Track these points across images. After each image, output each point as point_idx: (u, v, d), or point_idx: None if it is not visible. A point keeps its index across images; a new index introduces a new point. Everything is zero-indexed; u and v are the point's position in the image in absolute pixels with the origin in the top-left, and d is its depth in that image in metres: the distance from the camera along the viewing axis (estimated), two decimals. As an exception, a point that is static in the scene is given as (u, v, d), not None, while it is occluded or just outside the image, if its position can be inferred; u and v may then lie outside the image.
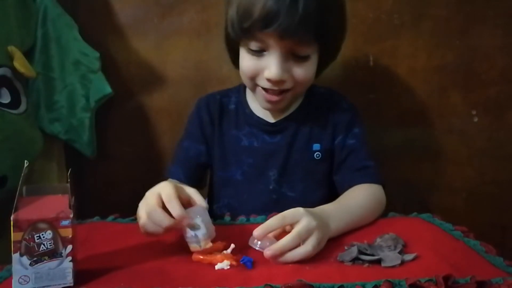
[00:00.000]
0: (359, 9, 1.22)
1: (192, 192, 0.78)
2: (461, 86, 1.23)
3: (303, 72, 0.91)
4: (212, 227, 0.74)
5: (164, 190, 0.74)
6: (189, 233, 0.72)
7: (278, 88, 0.91)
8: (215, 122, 1.06)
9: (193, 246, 0.72)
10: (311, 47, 0.89)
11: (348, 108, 1.03)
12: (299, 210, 0.74)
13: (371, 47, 1.23)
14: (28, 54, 1.16)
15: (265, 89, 0.93)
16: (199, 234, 0.72)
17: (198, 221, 0.72)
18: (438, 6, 1.20)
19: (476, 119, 1.24)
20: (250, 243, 0.74)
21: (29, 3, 1.15)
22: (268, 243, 0.72)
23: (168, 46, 1.28)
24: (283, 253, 0.69)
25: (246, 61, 0.93)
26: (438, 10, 1.20)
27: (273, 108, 0.98)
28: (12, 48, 1.05)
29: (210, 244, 0.72)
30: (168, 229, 0.72)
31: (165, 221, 0.71)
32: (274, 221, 0.72)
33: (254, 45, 0.89)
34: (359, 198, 0.91)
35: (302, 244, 0.71)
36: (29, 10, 1.15)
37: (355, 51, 1.23)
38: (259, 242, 0.73)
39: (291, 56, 0.89)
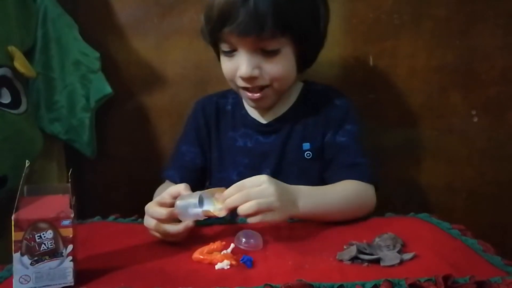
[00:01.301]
0: (359, 9, 1.22)
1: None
2: (461, 86, 1.23)
3: (274, 66, 0.91)
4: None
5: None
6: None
7: (255, 86, 0.92)
8: (211, 125, 1.07)
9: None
10: (277, 41, 0.89)
11: (340, 104, 1.02)
12: (262, 177, 0.77)
13: (371, 47, 1.23)
14: (28, 54, 1.16)
15: (245, 88, 0.94)
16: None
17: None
18: (438, 6, 1.20)
19: (476, 119, 1.24)
20: (235, 243, 0.75)
21: (29, 3, 1.15)
22: (252, 241, 0.74)
23: (168, 46, 1.28)
24: (229, 204, 0.74)
25: (223, 63, 0.96)
26: (438, 10, 1.20)
27: (260, 105, 1.00)
28: (12, 48, 1.05)
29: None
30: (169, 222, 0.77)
31: (160, 211, 0.77)
32: (233, 187, 0.75)
33: (224, 46, 0.92)
34: (339, 188, 0.90)
35: None
36: (29, 10, 1.15)
37: (355, 51, 1.24)
38: (243, 240, 0.75)
39: (260, 52, 0.90)
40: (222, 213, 0.74)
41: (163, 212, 0.77)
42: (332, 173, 0.97)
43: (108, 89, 1.22)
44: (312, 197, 0.83)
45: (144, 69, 1.29)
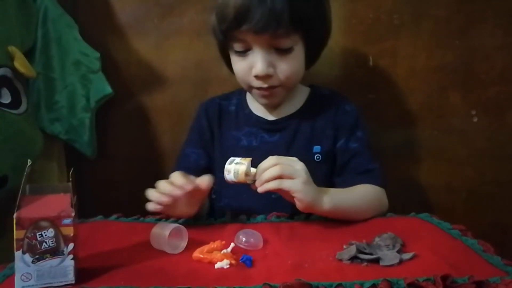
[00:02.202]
0: (359, 9, 1.22)
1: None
2: (460, 86, 1.23)
3: (287, 65, 0.93)
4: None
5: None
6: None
7: (269, 85, 0.94)
8: (214, 126, 1.08)
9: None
10: (291, 38, 0.90)
11: (351, 110, 1.04)
12: (299, 164, 0.82)
13: (371, 47, 1.23)
14: (29, 54, 1.16)
15: (258, 88, 0.95)
16: None
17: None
18: (438, 6, 1.20)
19: (475, 119, 1.24)
20: (235, 242, 0.76)
21: (29, 3, 1.15)
22: (252, 240, 0.75)
23: (168, 46, 1.29)
24: (260, 168, 0.81)
25: (236, 63, 0.97)
26: (438, 10, 1.20)
27: (270, 102, 1.01)
28: (12, 48, 1.05)
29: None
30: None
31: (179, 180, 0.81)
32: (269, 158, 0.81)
33: (237, 46, 0.93)
34: (359, 190, 0.94)
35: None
36: (29, 10, 1.15)
37: (355, 51, 1.24)
38: (244, 239, 0.76)
39: (274, 51, 0.91)
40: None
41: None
42: (345, 178, 0.99)
43: (108, 89, 1.22)
44: (336, 196, 0.87)
45: (144, 69, 1.29)
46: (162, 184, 0.83)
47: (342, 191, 0.92)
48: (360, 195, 0.93)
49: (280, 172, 0.79)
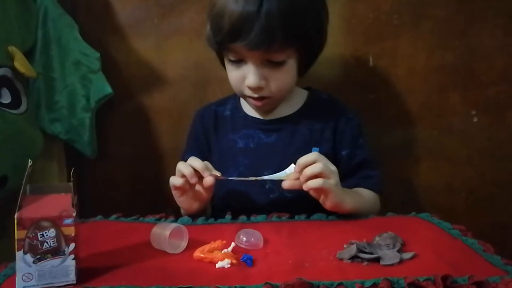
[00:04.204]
0: (359, 10, 1.22)
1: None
2: (460, 86, 1.23)
3: (279, 78, 0.94)
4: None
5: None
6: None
7: (259, 96, 0.96)
8: (210, 131, 1.10)
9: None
10: (284, 53, 0.91)
11: (353, 118, 1.05)
12: (333, 166, 0.85)
13: (371, 47, 1.24)
14: (29, 54, 1.16)
15: (250, 97, 0.97)
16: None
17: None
18: (438, 6, 1.20)
19: (475, 119, 1.24)
20: (236, 242, 0.76)
21: (30, 3, 1.16)
22: (253, 240, 0.75)
23: (168, 46, 1.29)
24: (301, 162, 0.83)
25: (230, 71, 0.98)
26: (438, 10, 1.20)
27: (263, 108, 1.03)
28: (12, 48, 1.05)
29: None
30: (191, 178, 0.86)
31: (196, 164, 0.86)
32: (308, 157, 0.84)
33: (232, 56, 0.94)
34: (363, 193, 0.99)
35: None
36: (29, 10, 1.15)
37: (355, 51, 1.24)
38: (244, 239, 0.76)
39: (267, 63, 0.92)
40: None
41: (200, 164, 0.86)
42: (348, 183, 0.99)
43: (108, 89, 1.22)
44: (354, 197, 0.91)
45: (144, 69, 1.30)
46: (196, 161, 0.86)
47: (355, 192, 0.95)
48: (366, 199, 0.98)
49: (322, 170, 0.81)
